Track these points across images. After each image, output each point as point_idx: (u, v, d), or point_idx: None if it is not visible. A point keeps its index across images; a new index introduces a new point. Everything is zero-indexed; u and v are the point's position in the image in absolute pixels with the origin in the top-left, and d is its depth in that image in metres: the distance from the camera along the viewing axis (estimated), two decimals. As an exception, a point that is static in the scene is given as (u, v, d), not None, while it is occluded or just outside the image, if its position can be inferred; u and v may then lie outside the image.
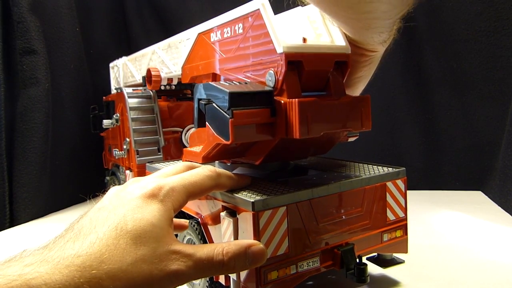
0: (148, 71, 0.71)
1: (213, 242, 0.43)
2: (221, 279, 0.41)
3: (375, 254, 0.48)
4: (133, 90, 0.84)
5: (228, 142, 0.36)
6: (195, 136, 0.51)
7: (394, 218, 0.46)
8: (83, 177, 1.07)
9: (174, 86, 0.83)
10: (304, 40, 0.40)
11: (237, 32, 0.44)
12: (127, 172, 0.85)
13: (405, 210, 0.47)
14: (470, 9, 0.89)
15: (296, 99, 0.36)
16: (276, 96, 0.39)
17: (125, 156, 0.85)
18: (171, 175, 0.38)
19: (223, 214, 0.39)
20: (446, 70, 0.95)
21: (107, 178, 1.04)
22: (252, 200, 0.35)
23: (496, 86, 0.89)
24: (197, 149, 0.46)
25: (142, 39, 1.26)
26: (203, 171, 0.38)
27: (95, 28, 1.20)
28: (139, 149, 0.80)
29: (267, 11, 0.39)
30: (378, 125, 0.87)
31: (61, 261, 0.26)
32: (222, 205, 0.40)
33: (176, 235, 0.49)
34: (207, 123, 0.40)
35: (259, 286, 0.36)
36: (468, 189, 0.94)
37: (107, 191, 0.36)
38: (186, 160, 0.47)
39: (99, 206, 0.33)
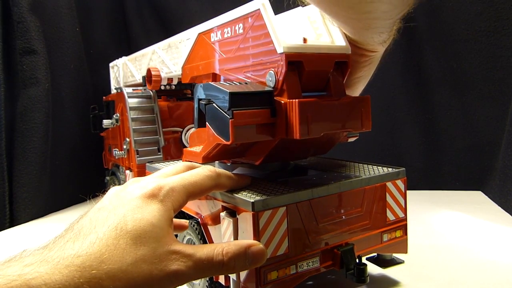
0: (148, 71, 0.71)
1: (213, 242, 0.43)
2: (221, 279, 0.41)
3: (375, 254, 0.48)
4: (133, 90, 0.84)
5: (228, 142, 0.36)
6: (195, 136, 0.51)
7: (394, 218, 0.46)
8: (83, 177, 1.07)
9: (174, 86, 0.83)
10: (305, 40, 0.40)
11: (237, 32, 0.44)
12: (127, 172, 0.85)
13: (405, 210, 0.47)
14: (470, 9, 0.89)
15: (297, 100, 0.36)
16: (276, 96, 0.39)
17: (125, 156, 0.85)
18: (171, 175, 0.38)
19: (223, 214, 0.39)
20: (446, 70, 0.95)
21: (107, 178, 1.04)
22: (252, 200, 0.35)
23: (496, 86, 0.89)
24: (197, 149, 0.46)
25: (142, 39, 1.26)
26: (203, 171, 0.38)
27: (95, 28, 1.20)
28: (139, 149, 0.81)
29: (267, 11, 0.39)
30: (378, 125, 0.87)
31: (61, 261, 0.27)
32: (222, 205, 0.40)
33: (176, 235, 0.49)
34: (207, 123, 0.40)
35: (259, 286, 0.36)
36: (468, 189, 0.94)
37: (107, 191, 0.36)
38: (186, 160, 0.47)
39: (99, 206, 0.33)
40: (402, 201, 0.47)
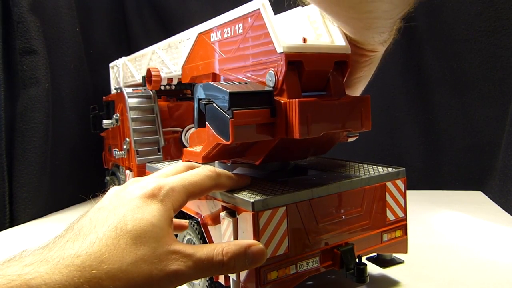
0: (148, 71, 0.71)
1: (213, 242, 0.43)
2: (221, 279, 0.41)
3: (375, 254, 0.48)
4: (133, 90, 0.84)
5: (228, 142, 0.36)
6: (195, 136, 0.51)
7: (394, 218, 0.46)
8: (83, 177, 1.07)
9: (174, 86, 0.83)
10: (304, 40, 0.40)
11: (237, 32, 0.44)
12: (127, 172, 0.85)
13: (404, 210, 0.47)
14: (470, 9, 0.89)
15: (296, 99, 0.36)
16: (276, 96, 0.39)
17: (125, 156, 0.85)
18: (171, 175, 0.38)
19: (223, 214, 0.39)
20: (446, 70, 0.95)
21: (107, 178, 1.04)
22: (252, 200, 0.35)
23: (496, 86, 0.89)
24: (197, 149, 0.46)
25: (142, 39, 1.26)
26: (203, 171, 0.38)
27: (95, 28, 1.20)
28: (139, 149, 0.81)
29: (267, 11, 0.39)
30: (378, 125, 0.87)
31: (61, 261, 0.26)
32: (222, 205, 0.40)
33: (176, 235, 0.49)
34: (207, 123, 0.40)
35: (258, 286, 0.36)
36: (468, 189, 0.94)
37: (107, 191, 0.36)
38: (186, 160, 0.47)
39: (99, 206, 0.33)
40: (402, 201, 0.47)
